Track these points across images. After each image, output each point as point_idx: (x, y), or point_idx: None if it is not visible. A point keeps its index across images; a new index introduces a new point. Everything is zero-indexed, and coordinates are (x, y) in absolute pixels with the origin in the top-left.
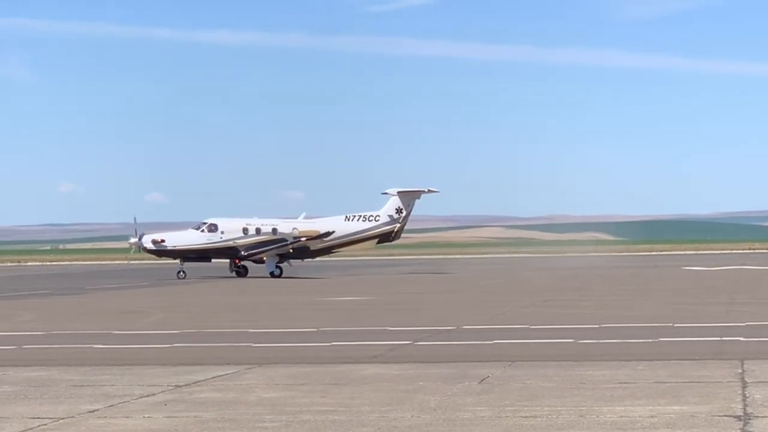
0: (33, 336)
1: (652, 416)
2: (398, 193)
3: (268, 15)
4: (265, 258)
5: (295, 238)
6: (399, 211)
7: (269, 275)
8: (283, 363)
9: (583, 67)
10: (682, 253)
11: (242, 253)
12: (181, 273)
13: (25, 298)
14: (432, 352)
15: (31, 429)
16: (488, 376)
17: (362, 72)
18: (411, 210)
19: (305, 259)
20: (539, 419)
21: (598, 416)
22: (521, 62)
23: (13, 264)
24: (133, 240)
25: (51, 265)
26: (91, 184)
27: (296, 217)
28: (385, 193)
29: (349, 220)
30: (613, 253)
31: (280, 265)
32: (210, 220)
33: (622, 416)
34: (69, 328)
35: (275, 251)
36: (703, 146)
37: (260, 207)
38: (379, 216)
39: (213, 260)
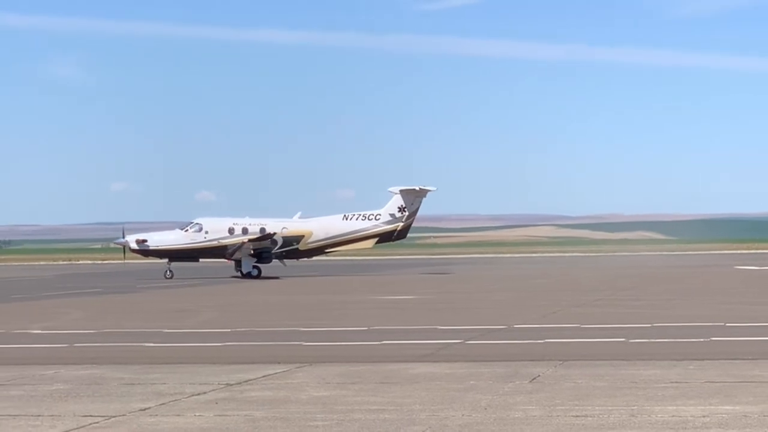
0: (84, 334)
1: (704, 416)
2: (400, 191)
3: (320, 14)
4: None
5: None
6: (402, 209)
7: (246, 275)
8: (333, 362)
9: (632, 66)
10: (733, 252)
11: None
12: (168, 273)
13: (77, 297)
14: (483, 351)
15: (83, 427)
16: (539, 375)
17: (410, 70)
18: (417, 209)
19: (300, 259)
20: (590, 419)
21: (649, 416)
22: (568, 61)
23: (65, 262)
24: (120, 240)
25: (102, 263)
26: (142, 183)
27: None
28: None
29: (347, 219)
30: (665, 252)
31: (258, 265)
32: (196, 220)
33: (673, 416)
34: (120, 326)
35: (248, 251)
36: (755, 144)
37: (310, 206)
38: (380, 215)
39: (201, 260)
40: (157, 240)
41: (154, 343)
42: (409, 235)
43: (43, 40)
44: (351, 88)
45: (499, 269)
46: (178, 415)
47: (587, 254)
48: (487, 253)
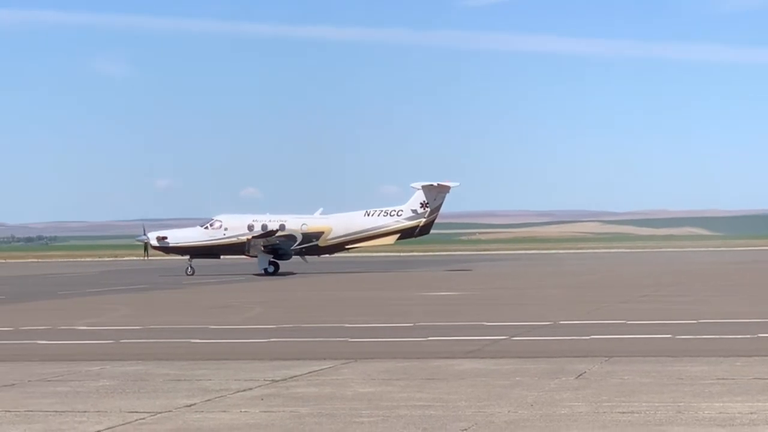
0: (130, 330)
1: (751, 412)
2: (422, 186)
3: (368, 10)
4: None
5: (254, 236)
6: (424, 205)
7: (263, 272)
8: (379, 358)
9: (676, 61)
10: None
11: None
12: (189, 269)
13: (123, 293)
14: (529, 347)
15: (128, 423)
16: (585, 372)
17: (456, 66)
18: (440, 204)
19: (321, 255)
20: (637, 415)
21: (696, 412)
22: (610, 56)
23: (110, 259)
24: (141, 237)
25: (147, 259)
26: (187, 180)
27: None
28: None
29: (369, 215)
30: (711, 249)
31: (276, 261)
32: (216, 217)
33: (720, 412)
34: (166, 322)
35: (259, 248)
36: None
37: (356, 201)
38: (402, 211)
39: (222, 257)
40: (177, 237)
41: (199, 339)
42: (454, 231)
43: (89, 37)
44: (397, 84)
45: (545, 265)
46: (224, 411)
47: (633, 250)
48: (532, 249)
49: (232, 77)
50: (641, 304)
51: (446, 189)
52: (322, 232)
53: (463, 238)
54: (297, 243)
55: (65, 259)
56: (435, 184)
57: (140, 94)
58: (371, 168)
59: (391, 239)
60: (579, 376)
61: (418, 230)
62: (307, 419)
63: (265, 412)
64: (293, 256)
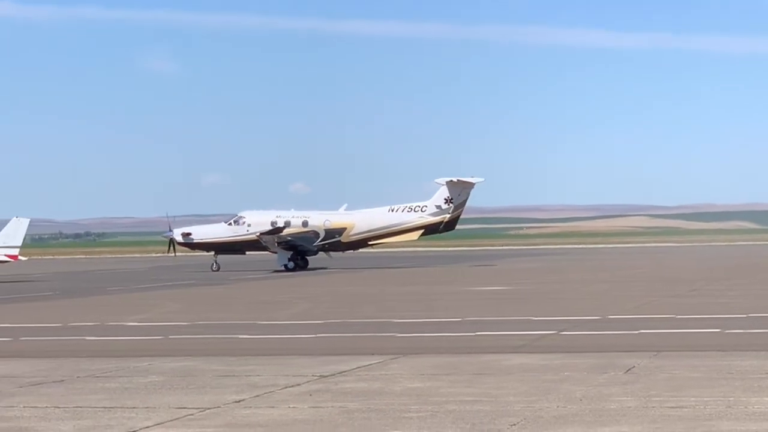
0: (178, 326)
1: None
2: (447, 182)
3: (408, 5)
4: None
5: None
6: (448, 201)
7: (282, 269)
8: (427, 353)
9: (724, 54)
10: None
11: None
12: (214, 265)
13: (171, 289)
14: (577, 342)
15: (177, 419)
16: (634, 366)
17: (502, 60)
18: (465, 200)
19: (346, 251)
20: (686, 410)
21: (746, 407)
22: (657, 49)
23: (158, 255)
24: (167, 234)
25: (194, 255)
26: (235, 175)
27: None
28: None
29: (393, 211)
30: (760, 242)
31: (295, 258)
32: (241, 213)
33: None
34: (214, 318)
35: (273, 244)
36: None
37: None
38: (426, 206)
39: (247, 253)
40: (201, 233)
41: (247, 334)
42: (501, 225)
43: (136, 34)
44: (445, 78)
45: (593, 260)
46: (273, 407)
47: (681, 245)
48: (580, 243)
49: (277, 73)
50: (690, 299)
51: (470, 185)
52: (345, 228)
53: (511, 233)
54: (320, 239)
55: (113, 256)
56: (458, 180)
57: (187, 90)
58: (419, 162)
59: (414, 235)
60: (628, 370)
61: (442, 226)
62: (355, 414)
63: (313, 407)
64: (318, 252)
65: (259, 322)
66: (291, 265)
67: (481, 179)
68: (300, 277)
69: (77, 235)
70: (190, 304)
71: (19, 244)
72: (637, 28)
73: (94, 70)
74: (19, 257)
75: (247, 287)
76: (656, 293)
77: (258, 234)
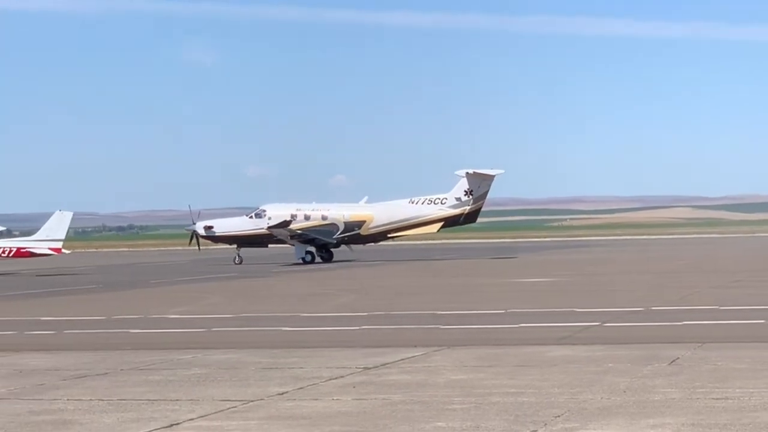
0: (222, 319)
1: None
2: (467, 174)
3: None
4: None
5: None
6: (468, 193)
7: (300, 261)
8: (471, 344)
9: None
10: None
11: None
12: (237, 258)
13: (214, 281)
14: (621, 334)
15: (220, 411)
16: (678, 358)
17: (539, 51)
18: (485, 192)
19: (367, 244)
20: (731, 401)
21: None
22: (699, 38)
23: (202, 247)
24: (189, 227)
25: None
26: (278, 168)
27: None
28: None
29: (413, 203)
30: None
31: (311, 250)
32: (262, 206)
33: None
34: (257, 310)
35: (286, 237)
36: None
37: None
38: (446, 199)
39: (269, 246)
40: (223, 226)
41: (290, 327)
42: (544, 217)
43: (176, 25)
44: (483, 69)
45: (636, 251)
46: (316, 399)
47: (725, 235)
48: (623, 235)
49: (319, 64)
50: (734, 290)
51: (490, 177)
52: (364, 221)
53: (554, 224)
54: (339, 232)
55: (156, 248)
56: (477, 171)
57: (229, 82)
58: (460, 153)
59: (434, 227)
60: (672, 362)
61: (462, 218)
62: (399, 407)
63: (357, 399)
64: (340, 245)
65: (302, 315)
66: (309, 258)
67: (501, 171)
68: (341, 269)
69: (120, 228)
70: (233, 296)
71: (63, 238)
72: (684, 17)
73: (135, 62)
74: (63, 250)
75: (289, 280)
76: (700, 284)
77: (267, 227)
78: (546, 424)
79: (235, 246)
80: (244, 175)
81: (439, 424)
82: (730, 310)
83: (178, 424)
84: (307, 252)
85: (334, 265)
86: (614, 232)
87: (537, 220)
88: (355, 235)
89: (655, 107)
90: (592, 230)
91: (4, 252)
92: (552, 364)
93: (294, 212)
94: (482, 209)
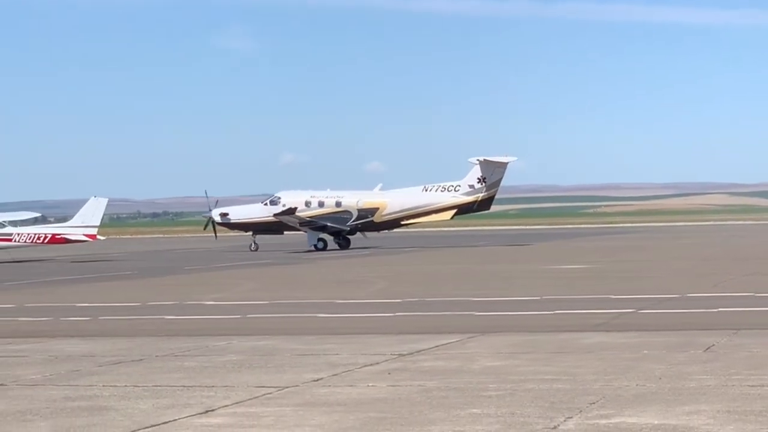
0: (256, 305)
1: None
2: (479, 161)
3: None
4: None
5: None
6: (481, 180)
7: (312, 248)
8: (506, 331)
9: None
10: None
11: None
12: (253, 245)
13: (248, 268)
14: (656, 320)
15: (255, 398)
16: (713, 345)
17: (582, 38)
18: (498, 179)
19: (381, 231)
20: (766, 388)
21: None
22: (735, 25)
23: (235, 234)
24: (206, 214)
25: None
26: (311, 155)
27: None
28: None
29: (427, 190)
30: None
31: (323, 237)
32: (277, 194)
33: None
34: (291, 297)
35: (295, 225)
36: None
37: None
38: (459, 186)
39: (285, 233)
40: (238, 213)
41: (325, 313)
42: (578, 203)
43: (209, 12)
44: (519, 55)
45: (671, 238)
46: (351, 386)
47: (761, 222)
48: (658, 221)
49: (353, 50)
50: None
51: (503, 165)
52: (377, 208)
53: (588, 211)
54: (353, 219)
55: (191, 235)
56: (487, 159)
57: (264, 69)
58: (501, 139)
59: (447, 215)
60: (707, 349)
61: (476, 205)
62: (434, 393)
63: (392, 386)
64: (355, 232)
65: (337, 301)
66: (321, 245)
67: (514, 158)
68: (372, 256)
69: (155, 215)
70: (267, 282)
71: (98, 224)
72: (719, 4)
73: (169, 49)
74: (98, 237)
75: (323, 266)
76: (735, 271)
77: (273, 215)
78: (581, 411)
79: (250, 233)
80: (277, 161)
81: (474, 410)
82: (765, 297)
83: (213, 410)
84: (319, 239)
85: (364, 252)
86: (649, 219)
87: (571, 207)
88: (368, 222)
89: (691, 93)
90: (627, 217)
91: (39, 238)
92: (587, 351)
93: (308, 199)
94: (514, 196)
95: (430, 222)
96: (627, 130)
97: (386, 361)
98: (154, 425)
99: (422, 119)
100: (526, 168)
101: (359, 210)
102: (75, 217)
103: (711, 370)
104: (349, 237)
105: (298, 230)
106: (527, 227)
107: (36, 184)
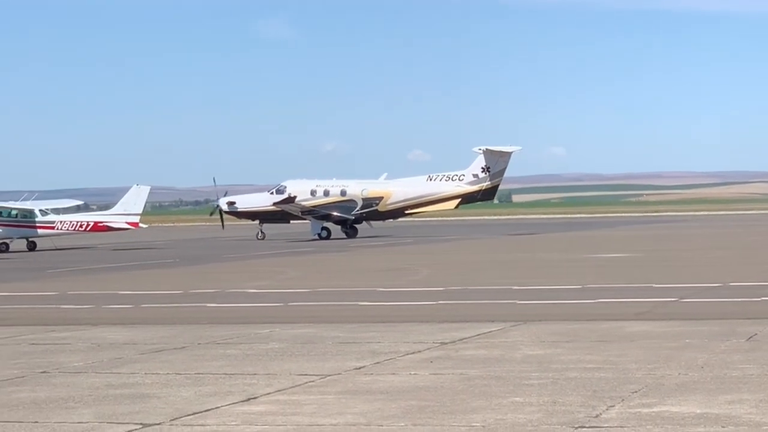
0: (299, 293)
1: None
2: (483, 151)
3: None
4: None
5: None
6: (485, 170)
7: (316, 237)
8: (548, 320)
9: None
10: None
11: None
12: (260, 234)
13: (290, 256)
14: (699, 309)
15: (298, 386)
16: (756, 334)
17: (618, 27)
18: (503, 169)
19: (386, 220)
20: None
21: None
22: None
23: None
24: (214, 202)
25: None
26: (353, 143)
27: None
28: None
29: (431, 179)
30: None
31: (326, 226)
32: (283, 183)
33: None
34: (333, 285)
35: (297, 213)
36: None
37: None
38: (463, 175)
39: (291, 222)
40: (245, 202)
41: (368, 301)
42: (621, 192)
43: (255, 1)
44: (566, 46)
45: (713, 226)
46: (393, 374)
47: None
48: (701, 210)
49: (395, 39)
50: None
51: (507, 154)
52: (382, 197)
53: (631, 200)
54: (358, 208)
55: (232, 223)
56: (490, 148)
57: (305, 57)
58: (537, 131)
59: (451, 204)
60: (750, 338)
61: (480, 195)
62: (476, 381)
63: (434, 374)
64: (362, 221)
65: (380, 289)
66: (324, 234)
67: (518, 148)
68: (417, 245)
69: (197, 203)
70: (309, 271)
71: (140, 212)
72: None
73: (214, 37)
74: (140, 224)
75: (367, 254)
76: None
77: (273, 203)
78: (623, 400)
79: (257, 222)
80: (319, 150)
81: (516, 399)
82: None
83: (255, 398)
84: (323, 228)
85: (406, 240)
86: (691, 208)
87: (614, 195)
88: (373, 211)
89: (734, 81)
90: (670, 206)
91: (81, 226)
92: (629, 340)
93: (314, 188)
94: (557, 185)
95: (434, 211)
96: (670, 119)
97: (428, 349)
98: (196, 413)
99: (466, 106)
100: (568, 157)
101: (364, 199)
102: (117, 205)
103: (754, 359)
104: (356, 226)
105: (304, 219)
106: (569, 216)
107: (79, 172)
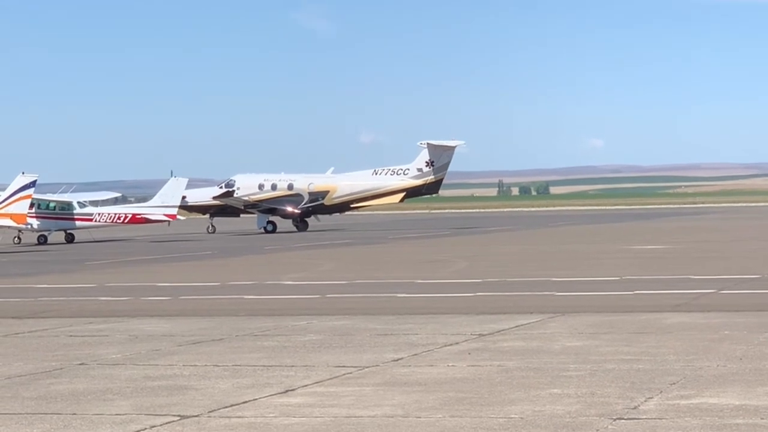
0: (336, 285)
1: None
2: (427, 145)
3: None
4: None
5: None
6: (429, 164)
7: (262, 230)
8: (586, 311)
9: None
10: None
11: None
12: (210, 227)
13: (328, 248)
14: (737, 301)
15: (335, 378)
16: None
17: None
18: (446, 163)
19: (332, 214)
20: None
21: None
22: None
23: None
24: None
25: (350, 215)
26: (391, 135)
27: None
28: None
29: (376, 174)
30: None
31: (272, 220)
32: (233, 177)
33: None
34: (371, 276)
35: (240, 207)
36: None
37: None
38: (408, 170)
39: (241, 215)
40: (195, 196)
41: (405, 293)
42: (659, 184)
43: None
44: (607, 37)
45: (753, 218)
46: (431, 366)
47: None
48: (738, 202)
49: (432, 30)
50: None
51: (450, 149)
52: (328, 191)
53: (669, 191)
54: (304, 202)
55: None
56: (432, 143)
57: (343, 49)
58: (577, 123)
59: (396, 198)
60: None
61: (424, 188)
62: (514, 373)
63: (472, 366)
64: (310, 215)
65: (418, 281)
66: (270, 227)
67: (462, 142)
68: (455, 236)
69: None
70: (346, 262)
71: (178, 204)
72: None
73: (251, 30)
74: (178, 216)
75: (405, 246)
76: None
77: (212, 197)
78: (662, 392)
79: (207, 215)
80: (356, 142)
81: (555, 390)
82: None
83: (293, 390)
84: (269, 222)
85: (444, 232)
86: (730, 200)
87: (652, 187)
88: (319, 205)
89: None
90: (708, 197)
91: (119, 218)
92: (668, 332)
93: (262, 182)
94: (594, 176)
95: (379, 205)
96: (708, 110)
97: (466, 341)
98: (234, 404)
99: (506, 99)
100: (606, 148)
101: (310, 193)
102: (155, 197)
103: None
104: (306, 220)
105: (251, 213)
106: (607, 207)
107: (117, 164)
